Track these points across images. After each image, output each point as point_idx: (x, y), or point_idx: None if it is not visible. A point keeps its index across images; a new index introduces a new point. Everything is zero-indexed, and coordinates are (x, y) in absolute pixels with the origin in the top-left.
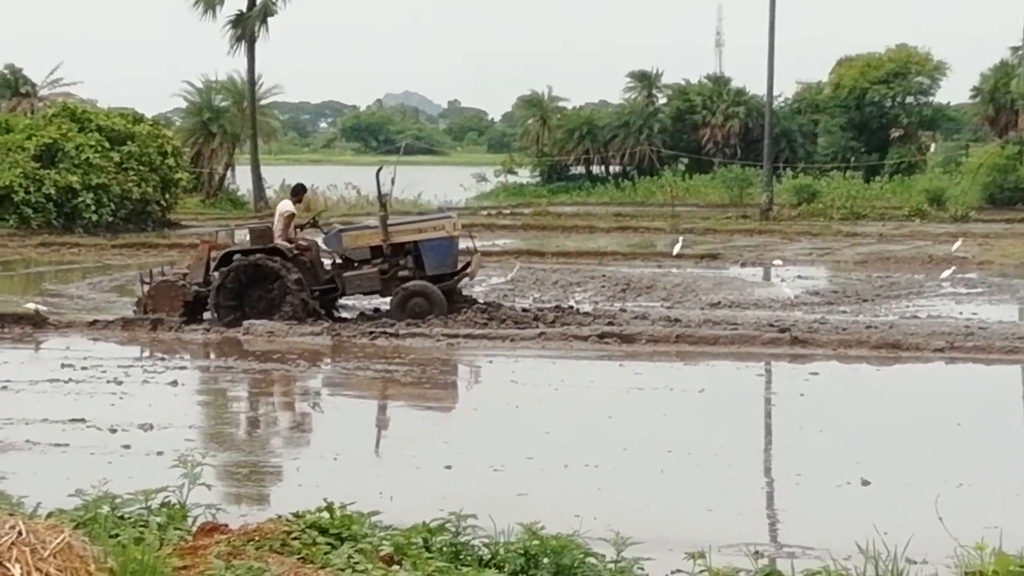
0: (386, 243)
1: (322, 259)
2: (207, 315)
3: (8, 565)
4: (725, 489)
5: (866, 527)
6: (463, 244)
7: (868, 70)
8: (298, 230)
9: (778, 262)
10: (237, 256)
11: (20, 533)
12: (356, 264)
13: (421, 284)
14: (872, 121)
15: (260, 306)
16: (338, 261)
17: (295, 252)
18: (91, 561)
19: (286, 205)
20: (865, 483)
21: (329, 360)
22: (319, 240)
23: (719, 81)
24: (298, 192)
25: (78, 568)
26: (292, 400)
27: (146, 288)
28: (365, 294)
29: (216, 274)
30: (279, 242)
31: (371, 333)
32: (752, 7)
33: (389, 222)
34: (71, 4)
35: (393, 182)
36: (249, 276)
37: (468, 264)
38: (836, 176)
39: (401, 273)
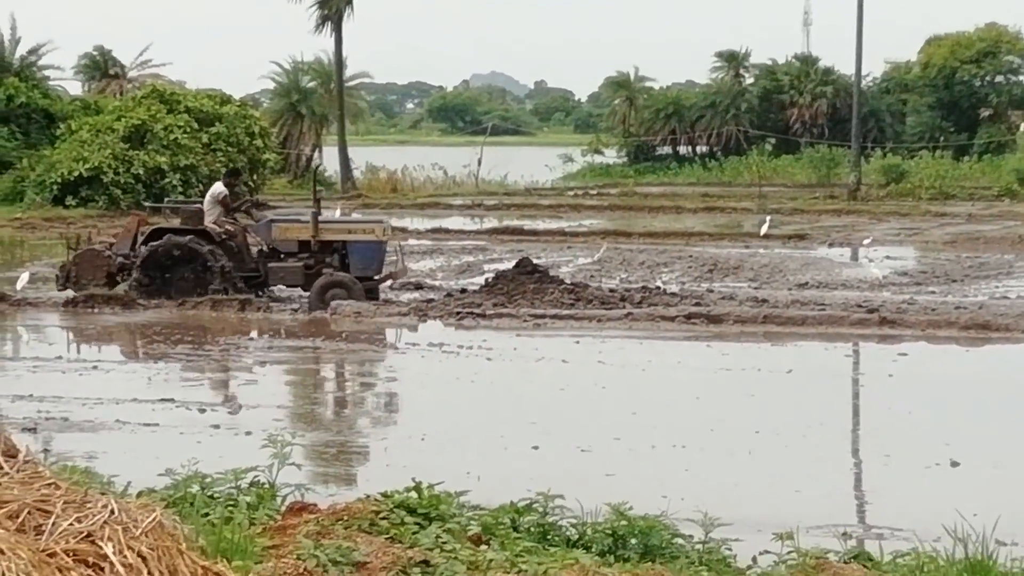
0: (315, 239)
1: (250, 246)
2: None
3: (101, 544)
4: (813, 470)
5: (955, 508)
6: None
7: (958, 49)
8: (237, 209)
9: (868, 240)
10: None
11: (112, 512)
12: (282, 256)
13: (341, 275)
14: (961, 100)
15: (184, 286)
16: (265, 250)
17: (223, 236)
18: (182, 540)
19: (218, 187)
20: (954, 464)
21: (415, 340)
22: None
23: (807, 61)
24: (232, 175)
25: (169, 547)
26: (378, 381)
27: (71, 255)
28: (287, 287)
29: (143, 248)
30: (209, 225)
31: (458, 313)
32: None
33: (321, 219)
34: None
35: (480, 163)
36: (175, 255)
37: (392, 274)
38: (925, 156)
39: (325, 271)
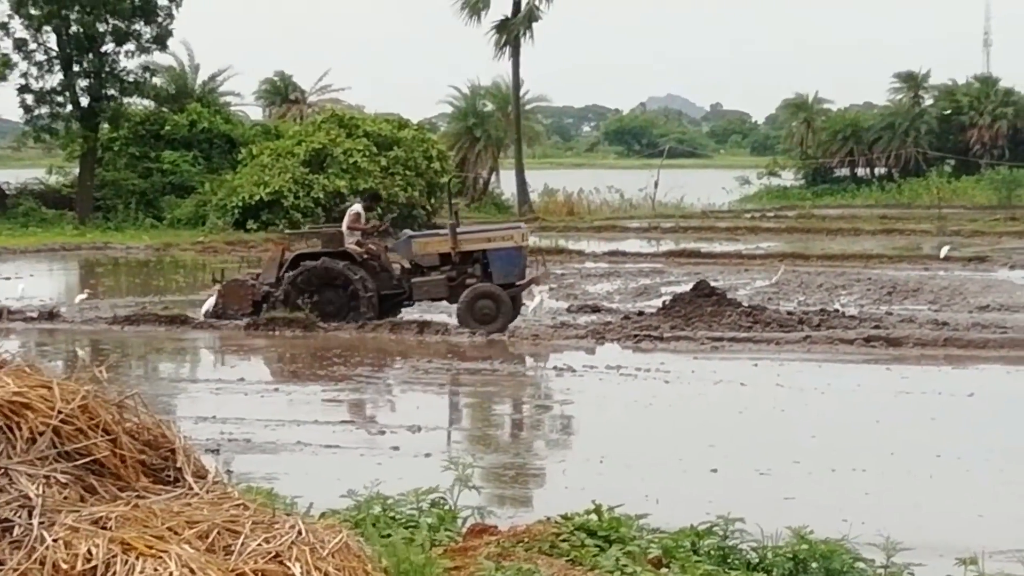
0: (455, 251)
1: (391, 264)
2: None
3: (289, 564)
4: (996, 495)
5: None
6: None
7: None
8: (368, 233)
9: None
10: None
11: (300, 533)
12: (425, 271)
13: (489, 286)
14: None
15: (330, 308)
16: (406, 267)
17: (365, 256)
18: (367, 561)
19: (356, 208)
20: None
21: (592, 363)
22: (389, 245)
23: (987, 81)
24: (372, 199)
25: (355, 568)
26: (555, 403)
27: (217, 287)
28: (432, 300)
29: (288, 275)
30: (349, 246)
31: (635, 336)
32: (1021, 5)
33: (459, 230)
34: (339, 11)
35: (656, 185)
36: (320, 279)
37: (535, 278)
38: None
39: (469, 281)
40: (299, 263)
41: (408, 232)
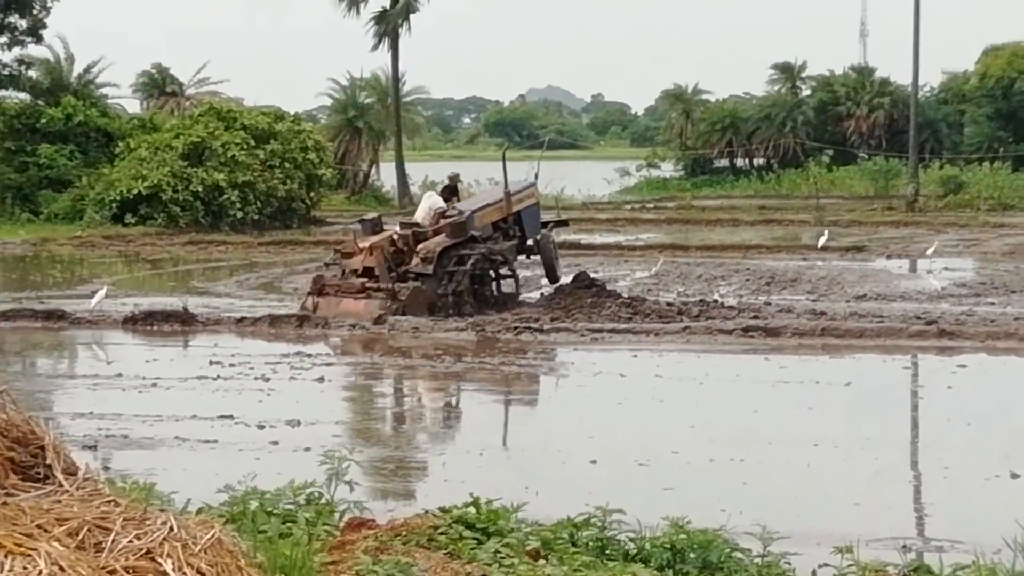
0: (510, 216)
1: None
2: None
3: (160, 560)
4: (872, 483)
5: (1015, 520)
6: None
7: (1015, 59)
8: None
9: (931, 249)
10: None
11: (172, 529)
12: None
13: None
14: (1020, 110)
15: (471, 299)
16: None
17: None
18: (241, 556)
19: (439, 201)
20: (1014, 476)
21: (474, 355)
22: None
23: (863, 72)
24: (450, 191)
25: (228, 563)
26: (438, 396)
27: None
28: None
29: (459, 269)
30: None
31: (515, 328)
32: None
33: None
34: (218, 3)
35: (537, 176)
36: (485, 267)
37: (563, 221)
38: (983, 167)
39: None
40: (445, 256)
41: (468, 210)
